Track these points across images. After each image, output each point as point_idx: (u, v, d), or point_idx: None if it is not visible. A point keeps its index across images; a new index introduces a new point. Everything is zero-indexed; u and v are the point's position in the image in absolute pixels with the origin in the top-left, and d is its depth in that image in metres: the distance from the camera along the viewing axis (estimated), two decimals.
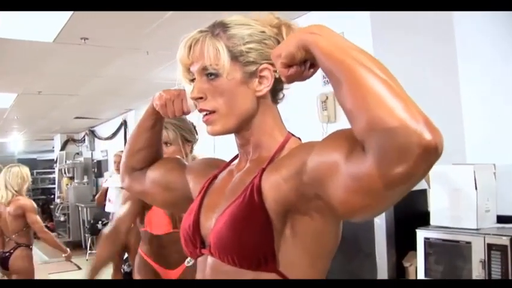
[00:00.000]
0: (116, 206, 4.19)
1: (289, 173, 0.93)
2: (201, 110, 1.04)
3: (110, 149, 9.12)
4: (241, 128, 1.06)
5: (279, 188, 0.93)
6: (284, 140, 1.05)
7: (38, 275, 4.54)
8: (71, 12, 3.27)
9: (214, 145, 3.08)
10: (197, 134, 2.42)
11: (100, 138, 10.07)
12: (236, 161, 1.16)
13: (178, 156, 1.45)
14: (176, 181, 1.27)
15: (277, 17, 1.07)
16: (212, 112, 1.03)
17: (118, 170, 5.10)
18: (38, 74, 5.28)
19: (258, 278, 0.95)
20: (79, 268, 5.36)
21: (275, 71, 1.02)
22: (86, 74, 5.40)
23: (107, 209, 5.26)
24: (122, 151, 4.70)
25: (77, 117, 8.88)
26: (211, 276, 1.03)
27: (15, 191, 4.16)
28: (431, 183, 2.75)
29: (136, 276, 2.64)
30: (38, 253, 8.82)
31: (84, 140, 11.09)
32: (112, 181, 5.14)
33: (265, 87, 1.03)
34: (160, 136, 1.35)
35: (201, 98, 1.03)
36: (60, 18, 3.43)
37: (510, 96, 2.88)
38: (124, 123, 8.51)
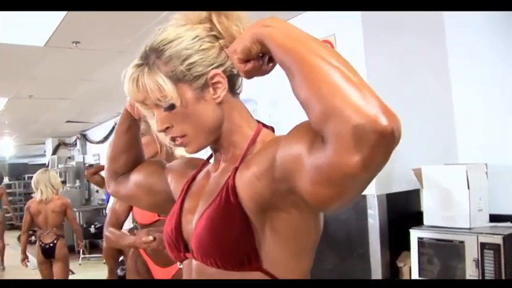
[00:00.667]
0: None
1: (260, 170, 0.93)
2: (171, 139, 1.04)
3: (102, 152, 9.08)
4: (215, 139, 1.06)
5: (254, 186, 0.93)
6: (255, 134, 1.04)
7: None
8: (62, 16, 3.24)
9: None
10: None
11: (91, 142, 10.02)
12: (212, 161, 1.16)
13: (160, 159, 1.46)
14: (158, 184, 1.27)
15: (205, 13, 1.02)
16: (183, 136, 1.02)
17: None
18: (29, 78, 5.25)
19: (243, 278, 0.95)
20: (72, 273, 5.33)
21: (224, 71, 1.00)
22: (78, 78, 5.36)
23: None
24: None
25: (68, 121, 8.82)
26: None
27: (56, 190, 4.87)
28: (423, 183, 2.76)
29: (129, 272, 2.65)
30: (31, 258, 8.77)
31: (76, 143, 11.03)
32: None
33: (221, 91, 1.01)
34: (139, 139, 1.35)
35: (167, 128, 1.02)
36: (51, 22, 3.39)
37: (501, 96, 2.90)
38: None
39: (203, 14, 1.02)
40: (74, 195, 9.69)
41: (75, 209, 8.97)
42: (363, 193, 2.88)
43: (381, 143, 0.70)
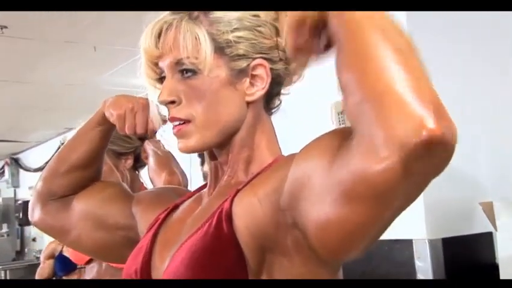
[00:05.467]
0: None
1: (265, 191, 0.98)
2: (172, 119, 1.08)
3: None
4: (222, 144, 1.10)
5: (253, 212, 0.97)
6: (273, 162, 1.10)
7: None
8: None
9: (190, 174, 3.08)
10: (143, 139, 2.40)
11: (27, 170, 10.03)
12: (206, 189, 1.19)
13: (121, 183, 1.50)
14: (115, 215, 1.30)
15: None
16: (186, 122, 1.06)
17: None
18: None
19: None
20: None
21: (272, 69, 1.07)
22: (5, 78, 5.40)
23: None
24: None
25: None
26: None
27: None
28: (497, 223, 2.78)
29: None
30: None
31: (3, 172, 11.07)
32: None
33: (258, 90, 1.08)
34: (103, 156, 1.39)
35: (173, 102, 1.06)
36: None
37: None
38: None
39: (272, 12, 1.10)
40: (1, 246, 9.67)
41: (0, 267, 8.97)
42: (409, 237, 2.92)
43: (423, 149, 0.72)
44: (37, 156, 9.47)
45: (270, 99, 1.14)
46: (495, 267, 2.80)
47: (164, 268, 1.06)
